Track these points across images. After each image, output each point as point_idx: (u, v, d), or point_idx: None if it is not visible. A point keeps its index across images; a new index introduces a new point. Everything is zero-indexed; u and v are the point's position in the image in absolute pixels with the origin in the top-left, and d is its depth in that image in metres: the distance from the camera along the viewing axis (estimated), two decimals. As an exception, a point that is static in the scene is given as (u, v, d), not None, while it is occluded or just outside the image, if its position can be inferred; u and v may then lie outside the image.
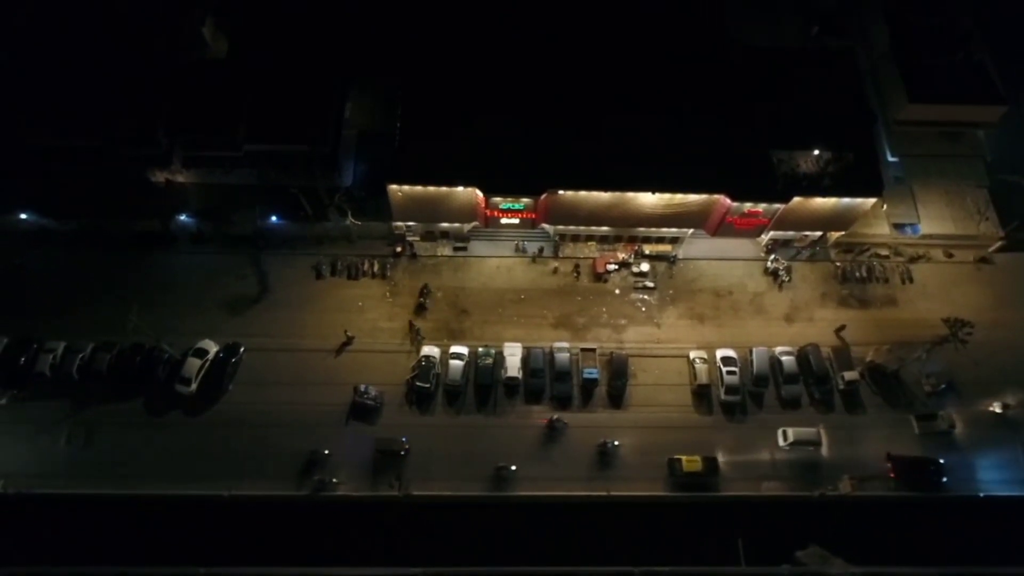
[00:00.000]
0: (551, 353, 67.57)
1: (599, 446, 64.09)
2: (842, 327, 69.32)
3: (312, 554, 60.60)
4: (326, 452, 61.95)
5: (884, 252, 73.57)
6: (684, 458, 62.89)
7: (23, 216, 68.58)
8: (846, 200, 66.29)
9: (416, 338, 67.85)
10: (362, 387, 64.21)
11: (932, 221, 73.46)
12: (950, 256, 73.86)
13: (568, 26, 71.40)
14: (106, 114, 68.79)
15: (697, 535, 62.44)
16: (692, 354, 68.30)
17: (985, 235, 72.92)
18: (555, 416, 64.59)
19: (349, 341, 67.72)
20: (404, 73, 69.17)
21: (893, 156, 75.55)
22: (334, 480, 61.45)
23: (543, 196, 65.53)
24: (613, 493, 62.75)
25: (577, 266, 72.50)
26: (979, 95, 72.85)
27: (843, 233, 71.80)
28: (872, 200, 66.66)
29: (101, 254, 70.22)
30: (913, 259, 73.49)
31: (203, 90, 70.93)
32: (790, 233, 71.55)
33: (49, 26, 72.08)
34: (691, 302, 71.75)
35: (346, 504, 61.73)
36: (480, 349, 67.63)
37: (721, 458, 63.93)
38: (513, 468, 62.41)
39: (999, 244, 73.08)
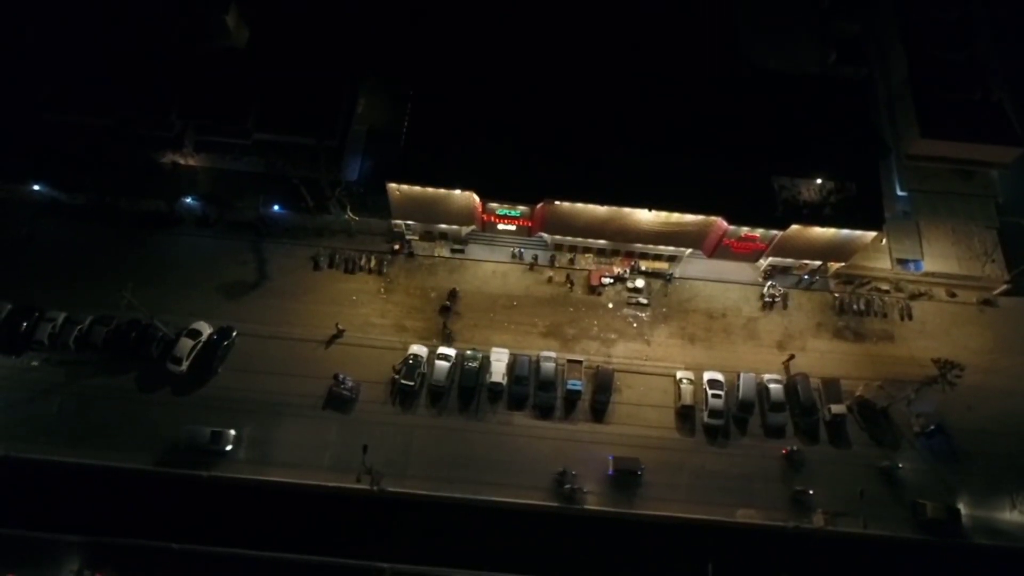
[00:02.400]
0: (537, 362, 67.75)
1: (883, 469, 64.18)
2: (791, 357, 68.60)
3: (285, 540, 61.36)
4: (574, 473, 62.84)
5: (885, 287, 72.59)
6: (929, 504, 62.31)
7: (35, 187, 70.47)
8: (845, 232, 65.62)
9: (446, 339, 68.73)
10: (341, 376, 65.06)
11: (936, 259, 72.20)
12: (953, 296, 72.60)
13: (579, 41, 71.60)
14: (123, 94, 70.64)
15: (667, 557, 62.24)
16: (679, 374, 68.06)
17: (989, 277, 71.56)
18: (794, 447, 64.74)
19: (340, 334, 68.61)
20: (416, 75, 69.95)
21: (902, 190, 74.47)
22: (584, 490, 62.52)
23: (539, 205, 65.81)
24: (587, 507, 62.82)
25: (571, 277, 72.46)
26: (994, 135, 71.40)
27: (843, 264, 70.97)
28: (872, 234, 65.82)
29: (107, 230, 71.93)
30: (914, 296, 72.39)
31: (219, 77, 72.42)
32: (789, 260, 70.92)
33: (74, 5, 73.92)
34: (683, 322, 71.44)
35: (323, 495, 62.57)
36: (468, 352, 68.04)
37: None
38: (811, 492, 63.02)
39: (1004, 287, 71.69)
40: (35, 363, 66.12)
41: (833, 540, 62.12)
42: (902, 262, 72.59)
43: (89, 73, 71.23)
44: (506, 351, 68.12)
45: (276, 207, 71.32)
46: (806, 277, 72.53)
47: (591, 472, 63.71)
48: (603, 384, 66.87)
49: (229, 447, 62.80)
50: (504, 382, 66.56)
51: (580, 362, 68.21)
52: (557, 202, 65.49)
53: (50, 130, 70.87)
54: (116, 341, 66.59)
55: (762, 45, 76.68)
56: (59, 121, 70.77)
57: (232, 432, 63.19)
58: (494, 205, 66.83)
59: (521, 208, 66.85)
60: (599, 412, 66.75)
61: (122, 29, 73.71)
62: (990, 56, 76.15)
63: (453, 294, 70.49)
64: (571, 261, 73.20)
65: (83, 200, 71.32)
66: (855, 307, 71.98)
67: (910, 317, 71.91)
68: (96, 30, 73.32)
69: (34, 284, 69.09)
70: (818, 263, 70.85)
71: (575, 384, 66.72)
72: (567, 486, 62.65)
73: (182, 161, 72.44)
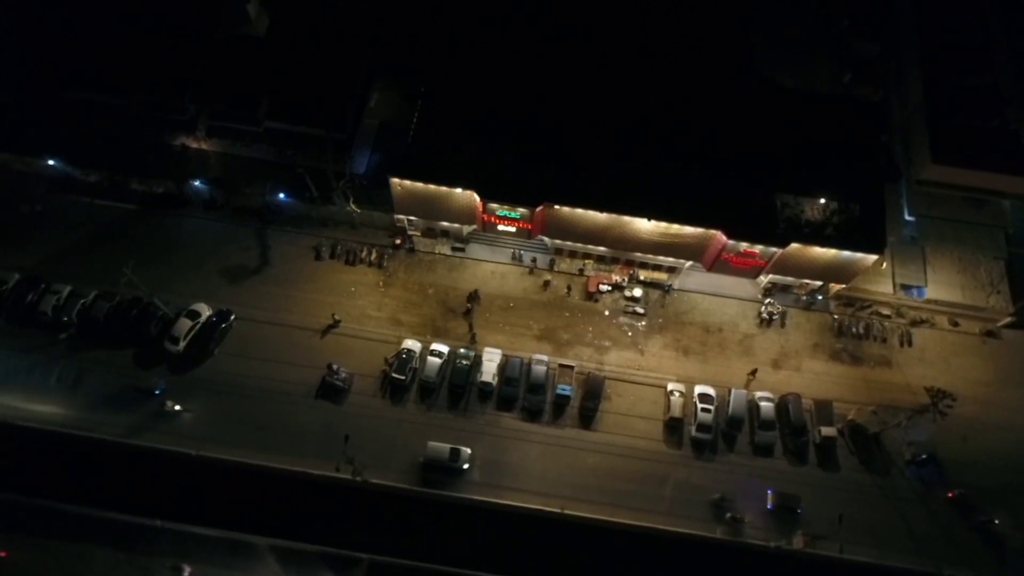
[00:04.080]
0: (529, 364, 67.90)
1: None
2: (754, 371, 68.23)
3: (265, 524, 62.21)
4: (729, 500, 62.96)
5: (886, 311, 71.68)
6: None
7: (50, 162, 72.03)
8: (846, 253, 64.90)
9: (471, 340, 69.27)
10: (335, 366, 65.70)
11: (940, 286, 71.23)
12: (955, 325, 71.49)
13: (589, 47, 71.63)
14: (142, 76, 71.87)
15: (646, 568, 62.20)
16: (670, 386, 67.74)
17: (994, 308, 70.45)
18: (960, 491, 63.48)
19: (336, 324, 69.29)
20: (428, 73, 70.53)
21: (911, 215, 73.52)
22: (745, 519, 62.30)
23: (539, 208, 65.97)
24: (566, 512, 62.87)
25: (550, 282, 72.51)
26: (1008, 164, 70.07)
27: (844, 286, 70.27)
28: (873, 257, 65.07)
29: (116, 208, 73.28)
30: (916, 322, 71.39)
31: (235, 64, 73.33)
32: (789, 279, 70.38)
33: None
34: (679, 334, 71.13)
35: (305, 483, 63.18)
36: (461, 350, 68.39)
37: None
38: (996, 521, 62.44)
39: (1008, 320, 70.52)
40: (63, 336, 67.53)
41: (811, 563, 61.64)
42: (905, 287, 71.66)
43: (110, 53, 72.49)
44: (499, 352, 68.33)
45: (282, 195, 72.23)
46: (820, 297, 71.74)
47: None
48: (593, 391, 66.81)
49: (466, 465, 63.53)
50: (494, 382, 66.78)
51: (572, 367, 68.22)
52: (557, 206, 65.62)
53: (68, 107, 72.35)
54: (117, 317, 67.80)
55: (777, 61, 76.06)
56: (77, 98, 72.19)
57: (468, 450, 63.83)
58: (494, 206, 67.09)
59: (521, 210, 67.03)
60: (587, 418, 66.69)
61: (146, 11, 74.89)
62: (1009, 84, 74.74)
63: (474, 295, 70.80)
64: (581, 271, 72.98)
65: (95, 177, 72.82)
66: (854, 330, 71.14)
67: (910, 344, 70.93)
68: (120, 11, 74.53)
69: (43, 256, 70.67)
70: (818, 283, 70.24)
71: (565, 389, 66.77)
72: (728, 515, 62.28)
73: (194, 144, 73.62)
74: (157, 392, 64.99)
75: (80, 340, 67.44)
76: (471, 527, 62.80)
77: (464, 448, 63.75)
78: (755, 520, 62.62)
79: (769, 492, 63.47)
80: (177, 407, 64.36)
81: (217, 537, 62.13)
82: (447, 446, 63.51)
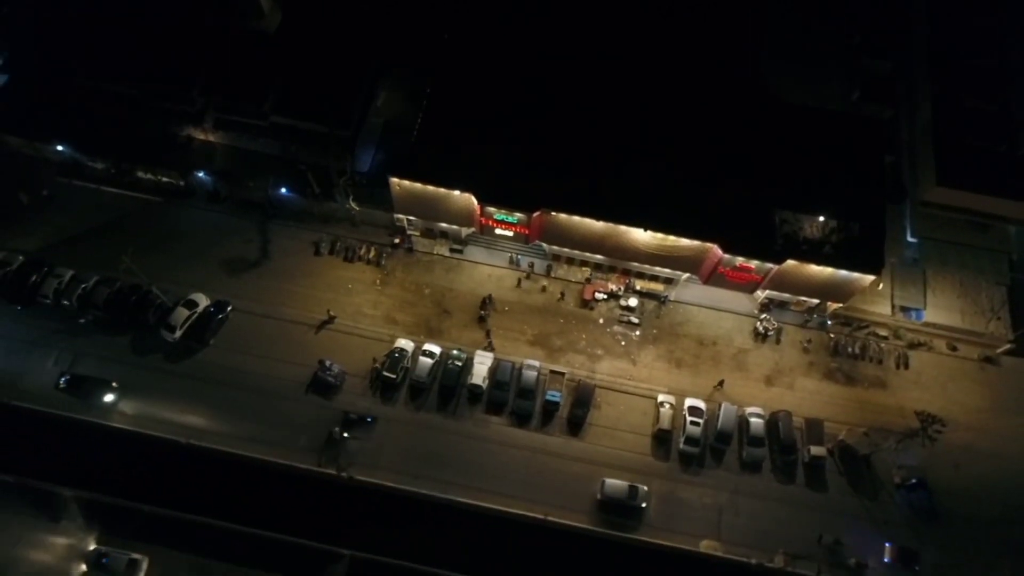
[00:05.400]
0: (520, 369, 67.97)
1: None
2: (721, 382, 67.91)
3: (252, 514, 62.76)
4: (844, 545, 61.85)
5: (883, 332, 71.03)
6: None
7: (59, 148, 73.11)
8: (843, 272, 64.43)
9: (488, 343, 69.61)
10: (327, 362, 66.16)
11: (939, 310, 70.51)
12: (954, 349, 70.70)
13: (596, 57, 71.62)
14: (152, 65, 72.61)
15: (627, 578, 62.30)
16: (661, 397, 67.55)
17: (992, 334, 69.61)
18: None
19: (331, 320, 69.80)
20: (434, 73, 70.82)
21: (913, 236, 72.81)
22: (869, 564, 61.12)
23: (536, 214, 66.06)
24: (549, 518, 62.93)
25: (563, 290, 72.51)
26: (1015, 190, 69.26)
27: (841, 305, 69.75)
28: (869, 277, 64.53)
29: (121, 195, 74.36)
30: (913, 345, 70.68)
31: (244, 58, 73.95)
32: (786, 295, 69.95)
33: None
34: (672, 345, 70.91)
35: (295, 476, 63.70)
36: (454, 351, 68.60)
37: None
38: None
39: (1007, 347, 69.65)
40: (82, 321, 68.68)
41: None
42: (904, 309, 71.01)
43: (123, 42, 73.34)
44: (490, 355, 68.57)
45: (284, 190, 72.89)
46: (827, 321, 71.21)
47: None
48: (582, 398, 66.76)
49: (644, 504, 62.69)
50: (484, 385, 66.96)
51: (563, 374, 68.29)
52: (553, 213, 65.68)
53: (79, 94, 73.29)
54: (116, 303, 68.67)
55: (785, 76, 75.45)
56: (88, 86, 73.16)
57: (645, 488, 62.97)
58: (492, 209, 67.26)
59: (518, 215, 67.15)
60: (575, 426, 66.65)
61: (161, 2, 75.73)
62: (1020, 108, 73.73)
63: (488, 301, 70.93)
64: (588, 280, 72.62)
65: (102, 165, 73.85)
66: (850, 350, 70.57)
67: (906, 366, 70.21)
68: (134, 1, 75.37)
69: (48, 240, 71.86)
70: (815, 301, 69.76)
71: (554, 395, 66.83)
72: (853, 561, 60.97)
73: (200, 136, 74.35)
74: (369, 420, 65.22)
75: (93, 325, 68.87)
76: (455, 528, 63.03)
77: (641, 486, 63.24)
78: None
79: (887, 545, 62.06)
80: (345, 434, 64.20)
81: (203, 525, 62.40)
82: (625, 484, 63.08)
